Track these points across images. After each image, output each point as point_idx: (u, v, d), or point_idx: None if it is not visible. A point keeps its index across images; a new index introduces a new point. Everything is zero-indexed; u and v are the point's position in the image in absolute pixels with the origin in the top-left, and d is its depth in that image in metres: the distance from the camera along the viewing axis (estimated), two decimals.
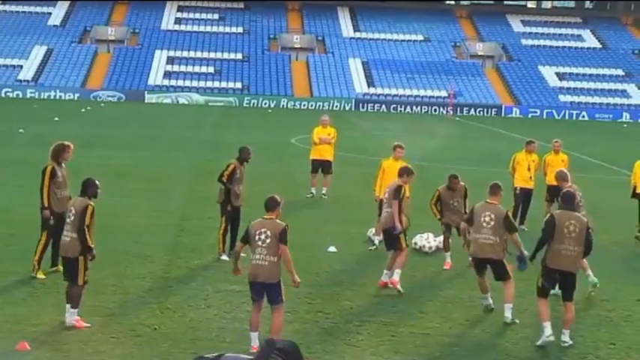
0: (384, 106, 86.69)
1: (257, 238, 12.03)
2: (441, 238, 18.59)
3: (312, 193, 26.74)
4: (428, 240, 19.24)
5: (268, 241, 11.97)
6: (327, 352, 12.41)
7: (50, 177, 15.61)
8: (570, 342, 12.99)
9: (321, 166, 26.83)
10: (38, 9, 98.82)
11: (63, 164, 15.91)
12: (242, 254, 12.71)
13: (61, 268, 14.65)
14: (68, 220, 13.27)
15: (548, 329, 12.83)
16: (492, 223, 14.04)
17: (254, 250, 12.07)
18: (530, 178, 22.20)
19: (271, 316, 12.22)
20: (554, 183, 19.94)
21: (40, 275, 15.66)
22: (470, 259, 15.69)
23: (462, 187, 18.00)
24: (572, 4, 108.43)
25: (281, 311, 12.20)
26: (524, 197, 22.17)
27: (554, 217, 12.91)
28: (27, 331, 12.68)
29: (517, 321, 14.09)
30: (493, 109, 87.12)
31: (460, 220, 16.12)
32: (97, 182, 13.44)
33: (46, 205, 15.61)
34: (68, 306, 13.08)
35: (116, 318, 13.57)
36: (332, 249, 18.90)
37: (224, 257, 17.60)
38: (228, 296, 14.90)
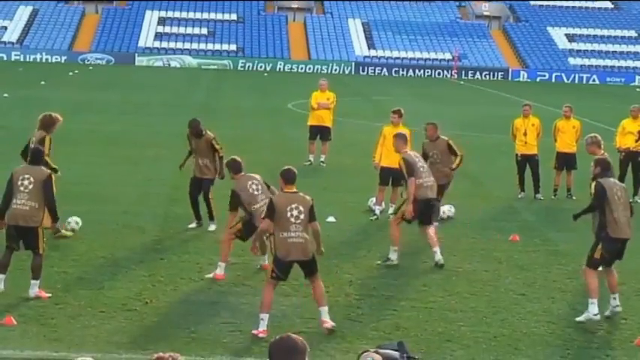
0: (385, 69, 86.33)
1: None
2: (447, 207, 19.10)
3: (309, 160, 26.76)
4: None
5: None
6: None
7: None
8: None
9: (320, 133, 26.70)
10: None
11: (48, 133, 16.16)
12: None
13: (65, 232, 16.33)
14: None
15: (595, 307, 12.85)
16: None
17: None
18: (527, 143, 22.48)
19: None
20: (564, 150, 22.38)
21: None
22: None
23: (444, 141, 18.33)
24: None
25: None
26: (523, 163, 22.56)
27: (603, 185, 13.03)
28: (13, 305, 12.73)
29: None
30: (499, 73, 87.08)
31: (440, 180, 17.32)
32: None
33: None
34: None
35: (105, 291, 13.58)
36: (331, 219, 18.61)
37: (211, 227, 17.72)
38: None
